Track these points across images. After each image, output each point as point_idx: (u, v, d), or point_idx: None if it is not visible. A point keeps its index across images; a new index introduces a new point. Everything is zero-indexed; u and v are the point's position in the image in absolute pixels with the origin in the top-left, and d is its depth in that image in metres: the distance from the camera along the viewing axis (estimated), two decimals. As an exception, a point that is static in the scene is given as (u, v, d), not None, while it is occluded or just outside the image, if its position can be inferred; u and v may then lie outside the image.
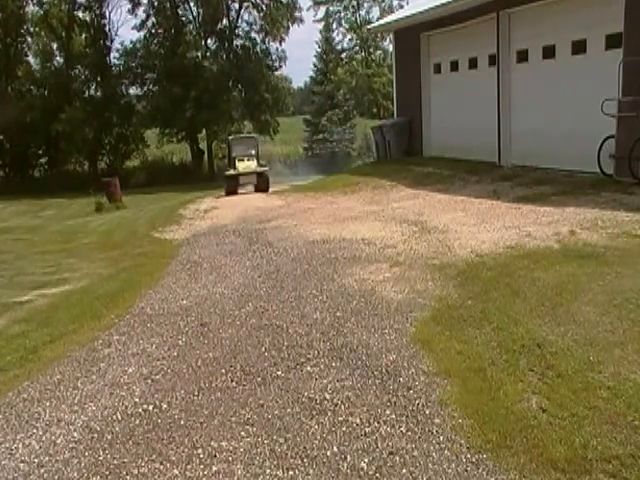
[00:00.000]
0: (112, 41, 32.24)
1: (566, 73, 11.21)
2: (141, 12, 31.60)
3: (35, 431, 3.87)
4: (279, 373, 4.35)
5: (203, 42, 32.44)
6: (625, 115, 9.46)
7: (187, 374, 4.48)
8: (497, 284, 5.60)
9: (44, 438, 3.77)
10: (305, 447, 3.43)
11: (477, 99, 13.80)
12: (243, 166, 15.96)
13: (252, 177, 15.87)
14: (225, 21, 32.45)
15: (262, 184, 15.91)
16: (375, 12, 41.54)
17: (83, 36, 32.96)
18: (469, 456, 3.23)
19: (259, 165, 16.45)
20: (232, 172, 15.84)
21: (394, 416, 3.66)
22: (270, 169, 17.37)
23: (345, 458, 3.30)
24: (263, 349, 4.78)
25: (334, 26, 43.18)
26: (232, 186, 15.76)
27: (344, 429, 3.57)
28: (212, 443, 3.54)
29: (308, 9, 45.44)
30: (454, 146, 14.68)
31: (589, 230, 7.06)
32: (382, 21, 23.08)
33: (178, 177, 29.08)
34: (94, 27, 31.98)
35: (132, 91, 32.70)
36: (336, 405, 3.84)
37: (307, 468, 3.25)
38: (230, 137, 18.49)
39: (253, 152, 16.77)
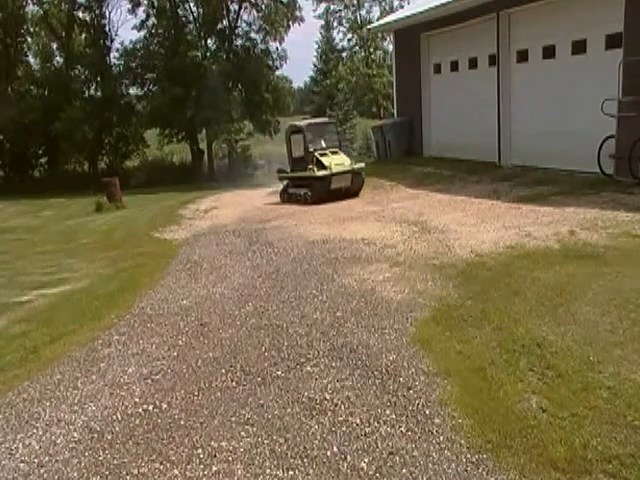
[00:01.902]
0: (112, 41, 32.26)
1: (566, 73, 11.21)
2: (141, 12, 31.64)
3: (35, 431, 3.87)
4: (279, 373, 4.35)
5: (203, 42, 32.43)
6: (625, 115, 9.46)
7: (187, 374, 4.48)
8: (497, 284, 5.60)
9: (44, 438, 3.77)
10: (305, 447, 3.43)
11: (477, 99, 13.80)
12: (335, 163, 11.62)
13: (347, 178, 11.75)
14: (225, 21, 32.45)
15: (356, 186, 12.03)
16: (375, 12, 41.53)
17: (83, 36, 32.95)
18: (469, 456, 3.23)
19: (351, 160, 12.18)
20: (321, 172, 11.45)
21: (394, 416, 3.66)
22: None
23: (345, 458, 3.30)
24: (263, 349, 4.78)
25: (334, 25, 43.17)
26: (322, 191, 11.54)
27: (344, 429, 3.57)
28: (212, 443, 3.54)
29: (307, 1, 45.30)
30: (454, 146, 14.69)
31: (589, 230, 7.06)
32: (382, 21, 23.08)
33: (178, 177, 29.05)
34: (94, 27, 31.97)
35: (132, 91, 32.71)
36: (336, 405, 3.84)
37: (307, 468, 3.25)
38: (300, 122, 13.30)
39: (331, 142, 12.33)
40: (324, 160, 11.64)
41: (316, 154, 11.73)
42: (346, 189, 11.84)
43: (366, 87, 38.51)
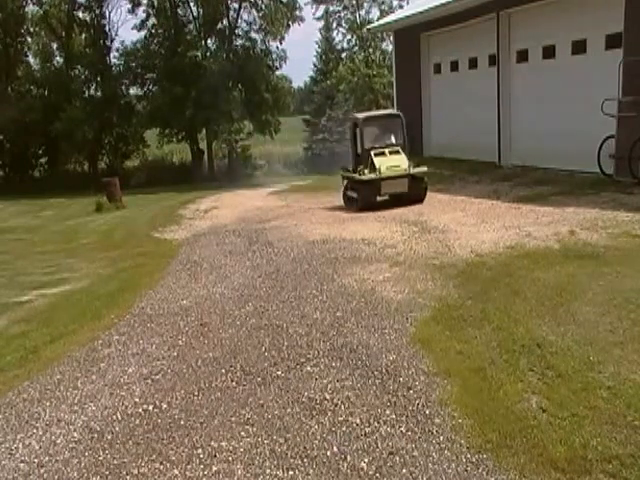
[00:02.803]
0: (112, 41, 32.21)
1: (566, 73, 11.21)
2: (141, 12, 31.61)
3: (35, 431, 3.87)
4: (279, 373, 4.35)
5: (203, 42, 32.42)
6: (625, 115, 9.46)
7: (187, 374, 4.48)
8: (497, 284, 5.60)
9: (44, 438, 3.77)
10: (305, 447, 3.43)
11: (477, 99, 13.80)
12: (388, 165, 10.09)
13: (402, 183, 10.17)
14: (225, 21, 32.45)
15: (416, 192, 10.35)
16: (375, 12, 41.50)
17: (83, 36, 32.94)
18: (469, 456, 3.23)
19: (412, 163, 10.36)
20: (367, 176, 10.07)
21: (394, 416, 3.66)
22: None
23: (345, 458, 3.30)
24: (263, 349, 4.78)
25: (334, 25, 43.16)
26: (369, 196, 10.27)
27: (344, 429, 3.57)
28: (212, 443, 3.54)
29: (306, 4, 45.11)
30: (454, 146, 14.69)
31: (589, 230, 7.06)
32: (382, 21, 23.09)
33: (178, 177, 29.03)
34: (94, 27, 31.95)
35: (132, 91, 32.69)
36: (336, 405, 3.84)
37: (307, 468, 3.25)
38: (359, 115, 11.57)
39: (394, 140, 10.73)
40: (377, 161, 10.19)
41: (372, 153, 10.33)
42: (406, 195, 10.35)
43: (366, 87, 38.53)
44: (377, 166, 10.14)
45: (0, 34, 31.27)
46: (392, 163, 10.20)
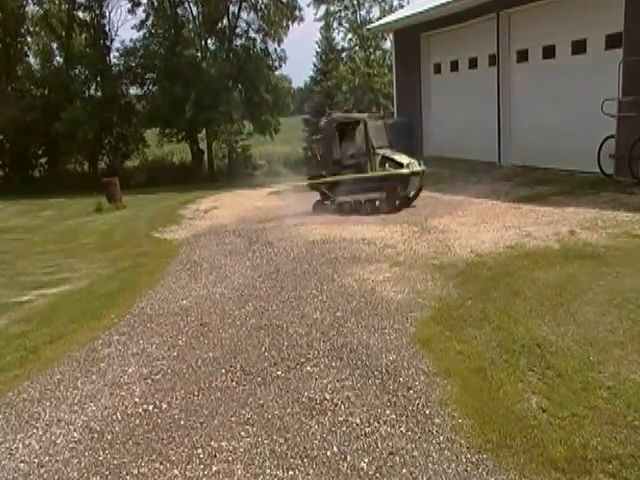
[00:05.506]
0: (112, 41, 32.19)
1: (566, 73, 11.22)
2: (141, 12, 31.60)
3: (35, 431, 3.87)
4: (279, 373, 4.35)
5: (203, 42, 32.42)
6: (625, 115, 9.47)
7: (187, 374, 4.48)
8: (497, 284, 5.60)
9: (44, 438, 3.77)
10: (305, 447, 3.43)
11: (477, 99, 13.82)
12: (408, 162, 9.95)
13: (416, 180, 10.14)
14: (225, 21, 32.45)
15: (417, 190, 10.40)
16: (375, 12, 41.50)
17: (83, 36, 32.93)
18: (469, 456, 3.23)
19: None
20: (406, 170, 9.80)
21: (394, 416, 3.66)
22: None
23: (345, 458, 3.30)
24: (263, 349, 4.78)
25: (334, 25, 43.15)
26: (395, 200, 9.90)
27: (344, 429, 3.57)
28: (212, 443, 3.54)
29: (308, 5, 45.11)
30: (454, 146, 14.70)
31: (589, 230, 7.07)
32: (382, 21, 23.09)
33: (178, 177, 28.98)
34: (94, 27, 31.94)
35: (132, 91, 32.66)
36: (336, 405, 3.84)
37: (307, 468, 3.25)
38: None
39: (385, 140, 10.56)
40: (399, 158, 10.06)
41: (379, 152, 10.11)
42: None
43: (366, 87, 38.55)
44: (402, 162, 9.89)
45: (0, 34, 31.26)
46: (409, 160, 10.03)
